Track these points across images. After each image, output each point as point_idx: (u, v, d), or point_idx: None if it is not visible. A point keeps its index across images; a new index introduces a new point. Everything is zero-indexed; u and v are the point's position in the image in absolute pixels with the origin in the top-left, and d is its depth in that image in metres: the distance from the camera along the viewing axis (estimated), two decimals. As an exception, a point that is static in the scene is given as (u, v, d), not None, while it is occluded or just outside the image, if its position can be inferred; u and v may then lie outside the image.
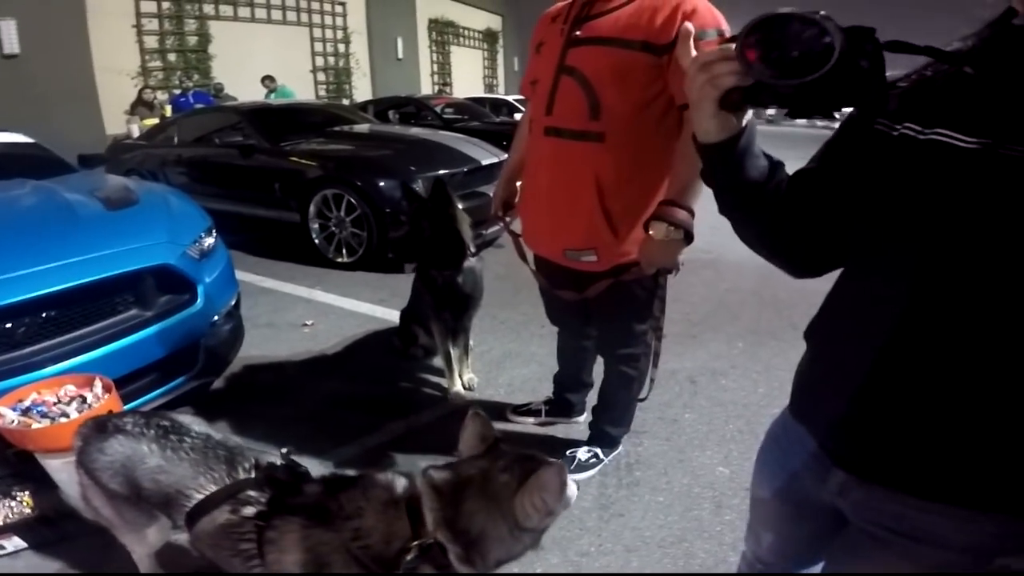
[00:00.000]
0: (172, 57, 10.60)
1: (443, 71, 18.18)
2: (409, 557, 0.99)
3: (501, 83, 21.56)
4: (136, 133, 7.68)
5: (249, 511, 1.10)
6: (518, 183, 2.06)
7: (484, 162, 4.84)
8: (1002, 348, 0.67)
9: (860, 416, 0.81)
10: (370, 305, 3.84)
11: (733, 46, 0.68)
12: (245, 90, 10.16)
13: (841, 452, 0.86)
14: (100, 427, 1.29)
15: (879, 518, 0.84)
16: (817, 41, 0.61)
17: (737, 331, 3.57)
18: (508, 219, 2.18)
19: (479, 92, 16.76)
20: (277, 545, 1.06)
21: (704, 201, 1.60)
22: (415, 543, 1.00)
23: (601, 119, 1.64)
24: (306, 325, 3.51)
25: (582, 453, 2.17)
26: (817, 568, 1.13)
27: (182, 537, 1.23)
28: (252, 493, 1.13)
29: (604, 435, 2.20)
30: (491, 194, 2.43)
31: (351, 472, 1.19)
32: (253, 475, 1.19)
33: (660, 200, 1.64)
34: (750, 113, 0.77)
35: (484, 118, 9.27)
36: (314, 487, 1.13)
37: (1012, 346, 0.66)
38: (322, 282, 4.29)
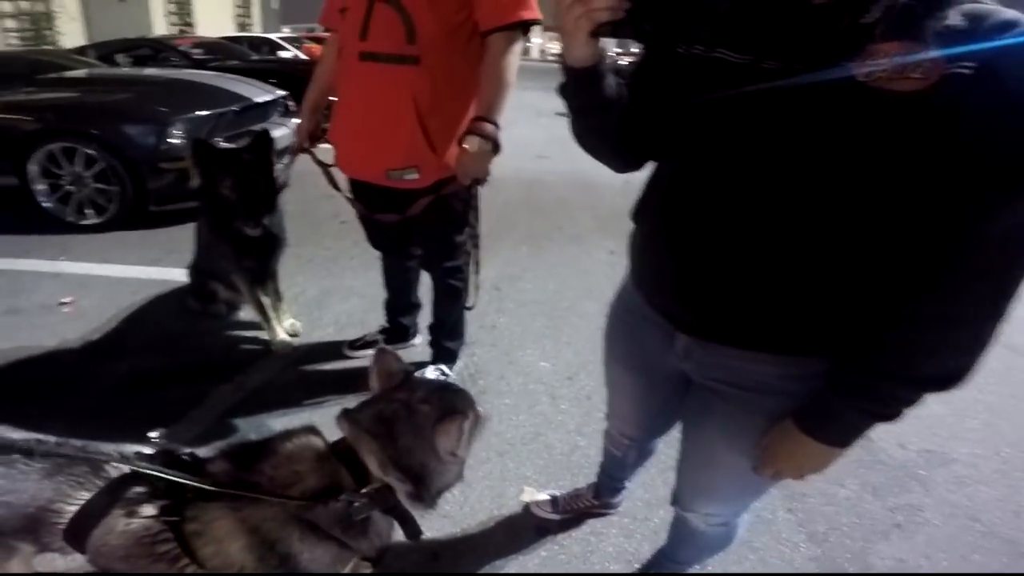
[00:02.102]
0: None
1: (182, 11, 14.90)
2: (357, 505, 0.83)
3: (256, 22, 18.46)
4: None
5: (150, 510, 0.83)
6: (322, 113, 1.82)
7: (257, 100, 4.04)
8: (789, 218, 0.73)
9: (693, 284, 0.83)
10: (141, 267, 3.01)
11: None
12: None
13: (681, 317, 0.89)
14: None
15: (718, 374, 0.88)
16: None
17: (519, 238, 3.68)
18: (313, 149, 1.88)
19: (230, 32, 14.12)
20: (208, 536, 0.82)
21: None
22: (365, 490, 0.85)
23: (417, 43, 1.54)
24: (64, 303, 2.63)
25: (430, 373, 2.03)
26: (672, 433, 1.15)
27: (58, 562, 0.85)
28: (141, 489, 0.84)
29: (445, 351, 2.09)
30: (272, 132, 2.08)
31: (250, 439, 0.94)
32: (125, 470, 0.87)
33: (471, 116, 1.61)
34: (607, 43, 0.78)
35: (243, 57, 7.86)
36: (220, 465, 0.88)
37: (796, 216, 0.72)
38: (68, 251, 3.23)
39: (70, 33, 11.47)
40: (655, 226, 0.90)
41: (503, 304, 2.76)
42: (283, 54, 9.50)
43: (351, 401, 1.81)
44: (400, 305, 2.23)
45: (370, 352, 2.18)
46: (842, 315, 0.75)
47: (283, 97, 4.37)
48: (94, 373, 2.13)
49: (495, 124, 1.58)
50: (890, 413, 0.73)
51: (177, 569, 0.83)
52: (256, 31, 16.18)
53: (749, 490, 1.01)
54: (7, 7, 10.44)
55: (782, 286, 0.75)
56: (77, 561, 0.87)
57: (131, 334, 2.42)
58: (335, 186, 1.87)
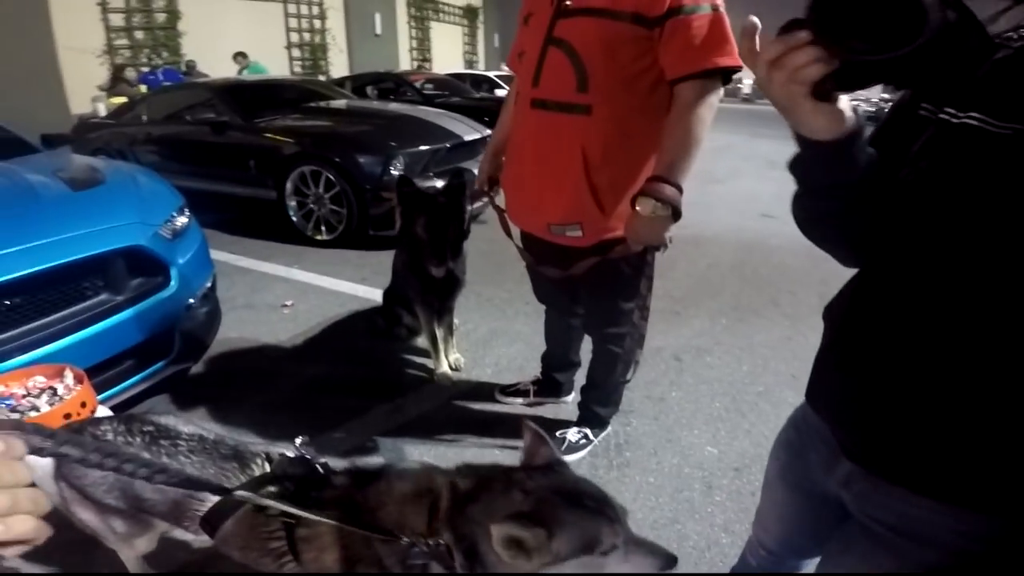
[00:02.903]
0: (139, 35, 10.28)
1: (422, 47, 17.87)
2: (415, 550, 0.92)
3: (481, 59, 21.26)
4: (103, 112, 7.40)
5: (274, 509, 1.01)
6: (504, 157, 1.99)
7: (467, 138, 4.73)
8: (1016, 351, 0.63)
9: (870, 408, 0.78)
10: (351, 284, 3.74)
11: (799, 34, 0.57)
12: (217, 67, 9.94)
13: (849, 442, 0.84)
14: (75, 440, 1.18)
15: (878, 512, 0.82)
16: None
17: (719, 307, 3.56)
18: (493, 194, 2.11)
19: (459, 68, 16.46)
20: (313, 544, 0.99)
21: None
22: (428, 540, 0.92)
23: (589, 91, 1.59)
24: (286, 306, 3.39)
25: (572, 434, 2.13)
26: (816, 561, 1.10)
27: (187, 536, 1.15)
28: (273, 489, 1.04)
29: (593, 415, 2.16)
30: (475, 170, 2.35)
31: (377, 462, 1.13)
32: (267, 470, 1.10)
33: (648, 176, 1.60)
34: (846, 99, 0.63)
35: (465, 94, 9.10)
36: (343, 479, 1.05)
37: None
38: (301, 260, 4.16)
39: (337, 64, 14.50)
40: (840, 331, 0.86)
41: (680, 377, 2.74)
42: (499, 92, 10.56)
43: (489, 444, 2.00)
44: (556, 360, 2.38)
45: (519, 400, 2.42)
46: None
47: (490, 135, 4.98)
48: (288, 371, 2.72)
49: (676, 186, 1.53)
50: None
51: (277, 566, 1.01)
52: (480, 68, 18.45)
53: None
54: (294, 38, 13.71)
55: (985, 432, 0.68)
56: (202, 540, 1.12)
57: (326, 341, 3.03)
58: (507, 233, 2.01)
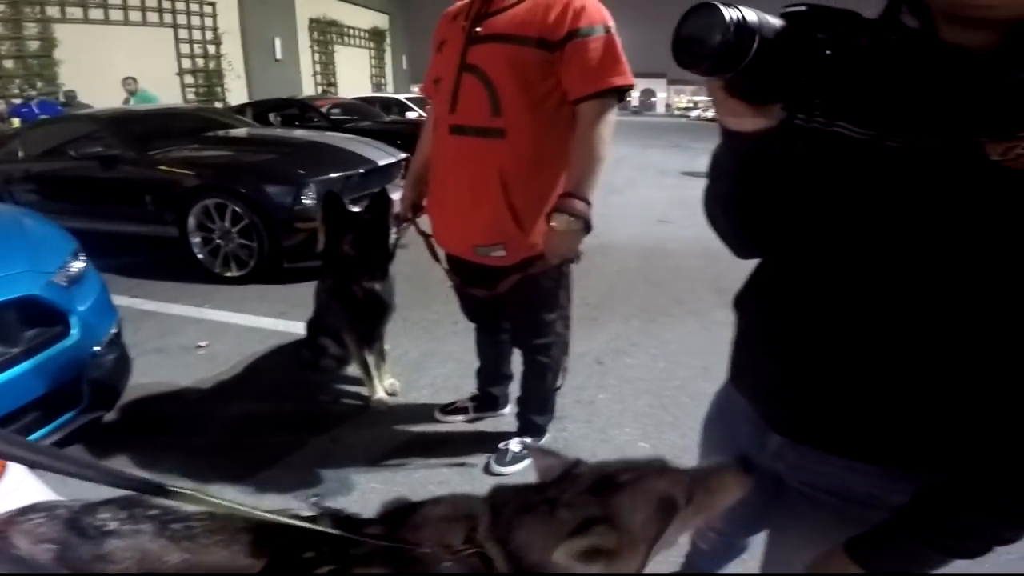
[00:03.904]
0: (9, 64, 9.39)
1: (327, 71, 17.36)
2: (447, 563, 0.84)
3: (389, 82, 21.00)
4: (-31, 149, 6.65)
5: (324, 569, 0.91)
6: (425, 183, 2.01)
7: (381, 162, 4.65)
8: (904, 317, 0.70)
9: (790, 382, 0.83)
10: (269, 319, 3.57)
11: None
12: (102, 97, 9.12)
13: (775, 417, 0.89)
14: (77, 529, 0.99)
15: (812, 479, 0.87)
16: (721, 26, 0.56)
17: (631, 310, 3.73)
18: (416, 219, 2.12)
19: (367, 92, 16.10)
20: None
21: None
22: (459, 549, 0.85)
23: (502, 115, 1.65)
24: (200, 347, 3.18)
25: (514, 445, 2.16)
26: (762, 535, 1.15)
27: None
28: (310, 554, 0.93)
29: (531, 424, 2.20)
30: (393, 194, 2.37)
31: (405, 501, 1.01)
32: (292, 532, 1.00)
33: (560, 193, 1.68)
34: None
35: (375, 118, 8.93)
36: (376, 528, 0.95)
37: (911, 315, 0.69)
38: (211, 299, 3.92)
39: (235, 90, 13.73)
40: (752, 317, 0.92)
41: (604, 379, 2.83)
42: (411, 115, 10.49)
43: (436, 464, 1.89)
44: (491, 375, 2.40)
45: (459, 418, 2.42)
46: (962, 428, 0.71)
47: (404, 159, 4.92)
48: (213, 412, 2.56)
49: (585, 200, 1.62)
50: (973, 550, 0.70)
51: None
52: (389, 91, 18.22)
53: None
54: (187, 64, 12.96)
55: (889, 393, 0.74)
56: None
57: (250, 379, 2.87)
58: (435, 256, 2.03)
